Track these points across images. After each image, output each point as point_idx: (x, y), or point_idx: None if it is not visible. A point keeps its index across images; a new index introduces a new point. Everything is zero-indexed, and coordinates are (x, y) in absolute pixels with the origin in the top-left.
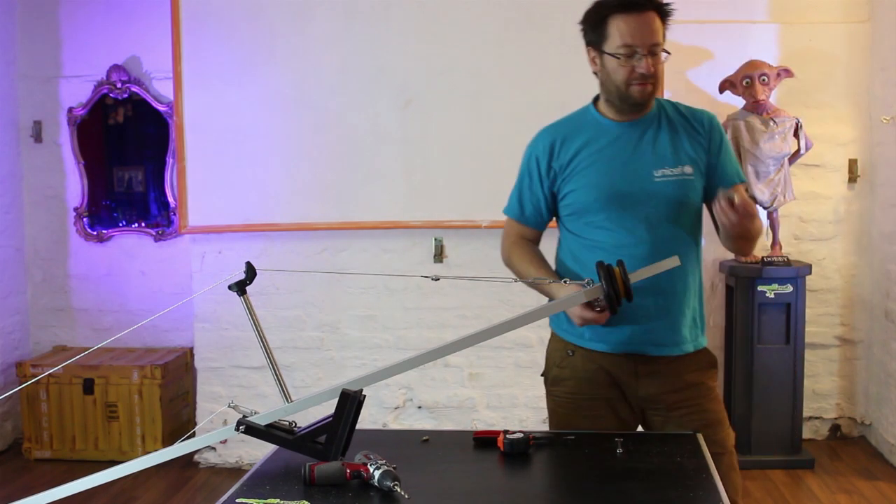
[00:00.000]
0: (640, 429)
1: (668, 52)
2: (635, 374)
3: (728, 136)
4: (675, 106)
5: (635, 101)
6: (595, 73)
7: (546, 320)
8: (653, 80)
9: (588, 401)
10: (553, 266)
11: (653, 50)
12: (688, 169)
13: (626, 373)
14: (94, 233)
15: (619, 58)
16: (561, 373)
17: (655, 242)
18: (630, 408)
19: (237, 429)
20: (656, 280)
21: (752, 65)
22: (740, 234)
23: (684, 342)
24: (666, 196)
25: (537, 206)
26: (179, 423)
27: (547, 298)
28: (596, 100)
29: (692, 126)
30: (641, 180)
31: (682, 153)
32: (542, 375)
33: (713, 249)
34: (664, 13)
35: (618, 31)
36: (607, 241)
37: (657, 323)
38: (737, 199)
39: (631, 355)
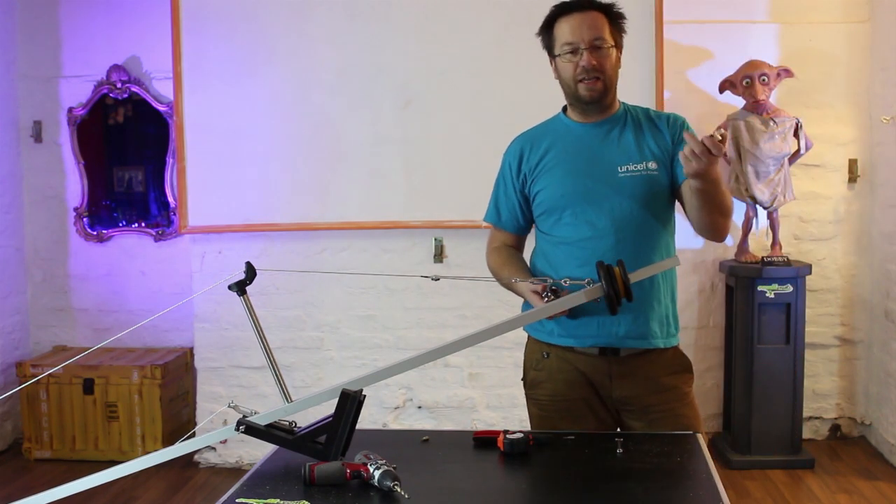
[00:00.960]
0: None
1: (615, 47)
2: (609, 375)
3: (728, 136)
4: (644, 110)
5: (585, 100)
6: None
7: None
8: (599, 75)
9: (567, 402)
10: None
11: (595, 44)
12: (652, 165)
13: (600, 373)
14: (94, 233)
15: (563, 56)
16: (538, 375)
17: (620, 237)
18: (607, 409)
19: (237, 429)
20: None
21: (752, 65)
22: (707, 197)
23: (653, 337)
24: (630, 191)
25: (512, 210)
26: (179, 423)
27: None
28: (566, 108)
29: (656, 125)
30: (606, 176)
31: (647, 150)
32: (521, 380)
33: (713, 249)
34: (610, 13)
35: (561, 31)
36: (573, 237)
37: (624, 316)
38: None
39: (604, 354)
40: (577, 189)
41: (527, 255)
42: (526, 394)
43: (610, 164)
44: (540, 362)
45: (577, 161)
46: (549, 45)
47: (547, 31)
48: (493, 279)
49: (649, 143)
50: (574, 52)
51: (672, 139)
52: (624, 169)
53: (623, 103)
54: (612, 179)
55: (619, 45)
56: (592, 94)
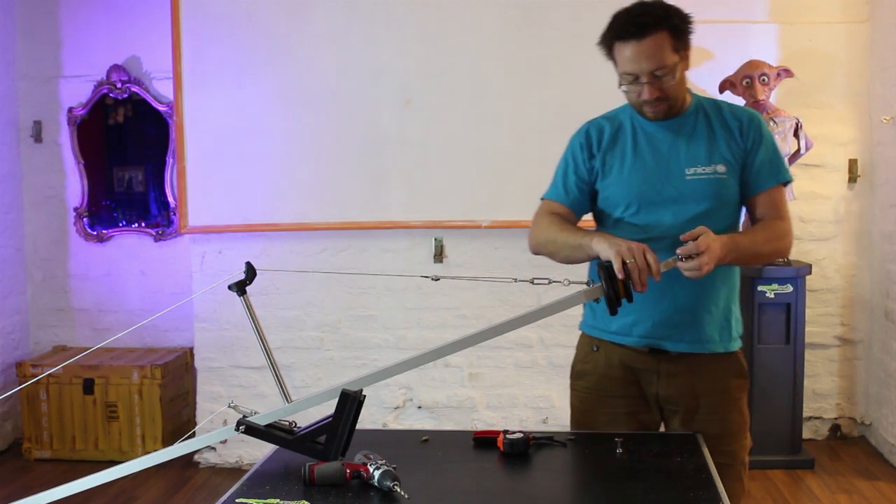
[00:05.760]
0: (662, 429)
1: (680, 61)
2: (657, 373)
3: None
4: (716, 105)
5: (651, 119)
6: None
7: (547, 320)
8: (663, 100)
9: (608, 397)
10: (587, 265)
11: (655, 74)
12: (721, 168)
13: (649, 370)
14: (94, 233)
15: (625, 83)
16: (584, 367)
17: (680, 240)
18: (649, 408)
19: (237, 429)
20: (680, 274)
21: (752, 65)
22: (741, 263)
23: (708, 341)
24: (697, 194)
25: (582, 188)
26: (179, 423)
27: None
28: None
29: (729, 126)
30: (673, 178)
31: (716, 152)
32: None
33: None
34: (673, 29)
35: (620, 57)
36: (637, 237)
37: (679, 318)
38: (680, 251)
39: (654, 352)
40: (643, 189)
41: None
42: (570, 385)
43: (678, 165)
44: (588, 355)
45: (645, 160)
46: (610, 57)
47: (608, 48)
48: (492, 279)
49: (720, 146)
50: (634, 81)
51: (746, 145)
52: (692, 171)
53: (695, 96)
54: (679, 182)
55: (683, 55)
56: (658, 116)
